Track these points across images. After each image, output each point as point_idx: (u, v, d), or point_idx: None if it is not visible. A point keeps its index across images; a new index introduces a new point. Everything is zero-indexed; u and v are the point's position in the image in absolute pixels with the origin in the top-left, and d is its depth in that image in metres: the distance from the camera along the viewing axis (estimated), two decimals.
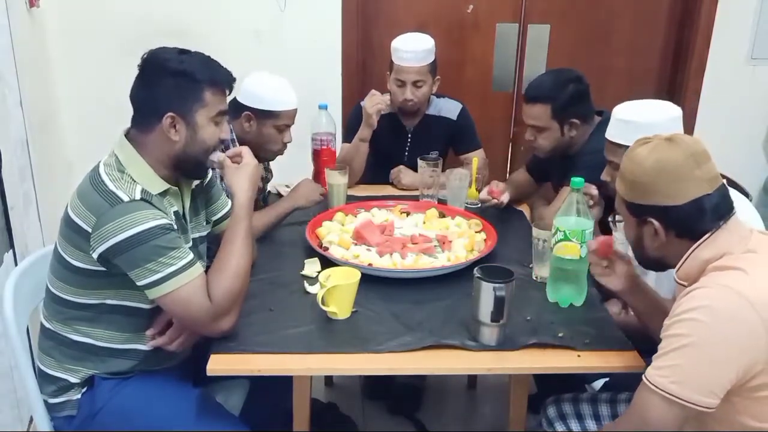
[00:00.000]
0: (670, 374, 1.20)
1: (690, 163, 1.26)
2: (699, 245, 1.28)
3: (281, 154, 2.17)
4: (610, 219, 1.51)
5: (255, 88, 2.05)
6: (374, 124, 2.37)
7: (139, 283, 1.42)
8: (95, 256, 1.41)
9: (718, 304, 1.18)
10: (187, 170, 1.56)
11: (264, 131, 2.08)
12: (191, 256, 1.45)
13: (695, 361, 1.18)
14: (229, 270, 1.46)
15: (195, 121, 1.48)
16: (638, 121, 1.68)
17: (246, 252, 1.50)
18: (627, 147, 1.61)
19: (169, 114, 1.46)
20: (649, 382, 1.22)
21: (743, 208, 1.61)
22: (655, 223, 1.30)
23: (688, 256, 1.29)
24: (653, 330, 1.45)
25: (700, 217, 1.27)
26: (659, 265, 1.40)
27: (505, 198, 2.17)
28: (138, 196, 1.42)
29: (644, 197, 1.30)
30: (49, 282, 1.54)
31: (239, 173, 1.56)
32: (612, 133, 1.76)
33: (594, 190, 1.85)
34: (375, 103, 2.35)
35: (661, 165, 1.27)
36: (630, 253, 1.49)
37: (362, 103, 2.41)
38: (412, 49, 2.40)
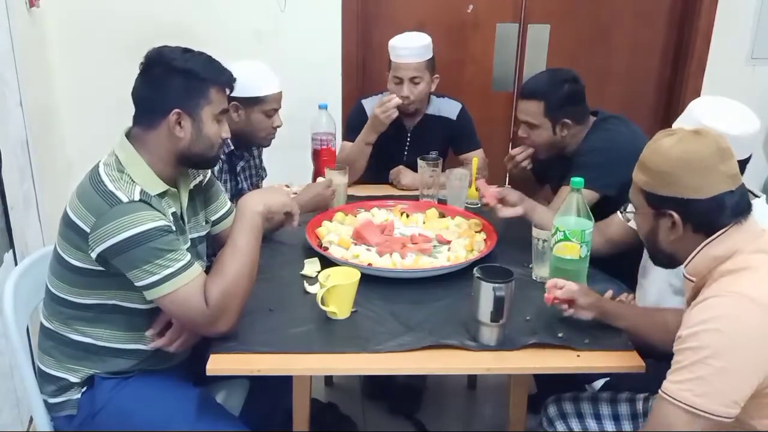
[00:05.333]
0: (694, 387, 1.17)
1: (716, 158, 1.25)
2: (711, 241, 1.27)
3: (273, 138, 2.16)
4: (621, 210, 1.49)
5: (237, 78, 2.03)
6: (383, 130, 2.36)
7: (137, 284, 1.42)
8: (94, 256, 1.41)
9: (733, 313, 1.16)
10: (192, 164, 1.58)
11: (253, 118, 2.08)
12: (189, 257, 1.45)
13: (717, 373, 1.16)
14: (228, 273, 1.45)
15: (200, 117, 1.50)
16: (727, 132, 1.44)
17: (249, 258, 1.48)
18: None
19: (176, 110, 1.47)
20: (671, 397, 1.19)
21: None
22: (675, 215, 1.27)
23: (699, 251, 1.28)
24: (641, 341, 1.47)
25: (720, 213, 1.26)
26: (670, 260, 1.38)
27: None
28: (137, 197, 1.42)
29: (667, 188, 1.28)
30: (49, 282, 1.54)
31: (271, 189, 1.64)
32: None
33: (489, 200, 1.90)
34: (386, 111, 2.32)
35: (687, 156, 1.25)
36: None
37: (370, 105, 2.39)
38: (409, 45, 2.40)
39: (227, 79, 1.55)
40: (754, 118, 1.60)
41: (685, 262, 1.31)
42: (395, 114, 2.35)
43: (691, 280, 1.29)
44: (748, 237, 1.26)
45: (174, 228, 1.48)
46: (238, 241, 1.49)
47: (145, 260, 1.39)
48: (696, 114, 1.60)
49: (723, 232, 1.26)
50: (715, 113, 1.58)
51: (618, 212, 1.69)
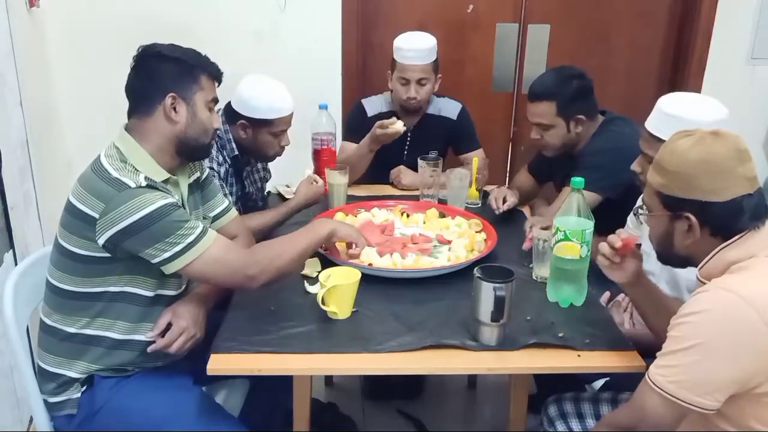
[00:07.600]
0: (669, 374, 1.20)
1: (735, 160, 1.24)
2: (727, 245, 1.26)
3: (279, 155, 2.16)
4: (634, 213, 1.48)
5: (248, 98, 2.01)
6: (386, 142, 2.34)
7: (156, 261, 1.43)
8: (101, 242, 1.42)
9: (718, 307, 1.17)
10: (189, 153, 1.59)
11: (260, 138, 2.06)
12: (202, 225, 1.49)
13: (693, 363, 1.18)
14: (276, 240, 1.62)
15: (194, 102, 1.54)
16: (689, 118, 1.59)
17: (299, 246, 1.57)
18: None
19: (171, 94, 1.51)
20: (649, 379, 1.23)
21: None
22: (692, 218, 1.26)
23: (714, 255, 1.27)
24: (654, 326, 1.45)
25: (738, 216, 1.24)
26: (683, 262, 1.37)
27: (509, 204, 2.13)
28: (143, 183, 1.44)
29: (684, 191, 1.26)
30: (50, 274, 1.55)
31: (346, 224, 1.82)
32: (654, 126, 1.68)
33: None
34: (386, 134, 2.28)
35: (706, 158, 1.23)
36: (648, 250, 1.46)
37: (370, 105, 2.38)
38: (416, 47, 2.39)
39: (215, 70, 1.60)
40: (721, 105, 1.65)
41: (700, 266, 1.30)
42: (395, 137, 2.30)
43: (704, 283, 1.28)
44: (766, 243, 1.25)
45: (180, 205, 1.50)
46: (297, 233, 1.62)
47: (166, 233, 1.41)
48: (668, 109, 1.65)
49: (740, 237, 1.25)
50: (687, 105, 1.65)
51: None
